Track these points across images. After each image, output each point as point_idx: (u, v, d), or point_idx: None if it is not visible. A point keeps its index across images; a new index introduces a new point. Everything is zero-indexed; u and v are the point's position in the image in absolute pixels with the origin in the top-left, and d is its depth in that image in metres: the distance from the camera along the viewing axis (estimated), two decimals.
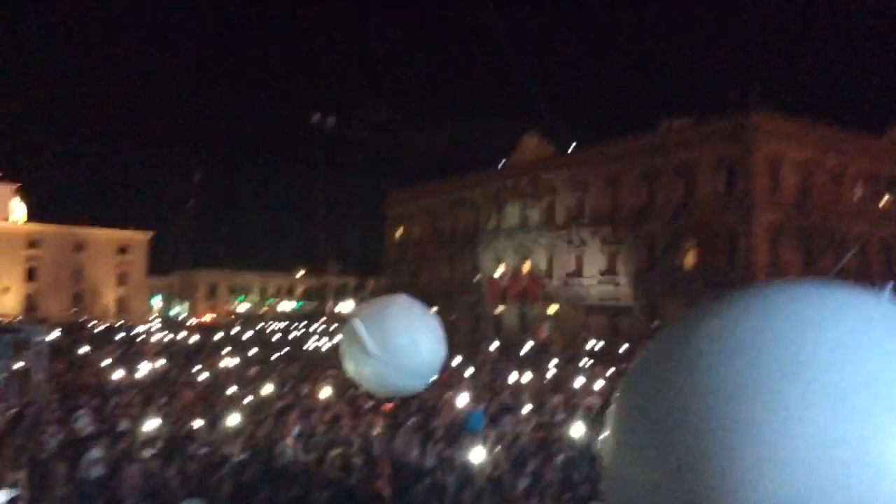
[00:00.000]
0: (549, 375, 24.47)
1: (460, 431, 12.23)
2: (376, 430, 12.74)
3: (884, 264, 47.05)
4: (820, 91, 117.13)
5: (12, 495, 8.52)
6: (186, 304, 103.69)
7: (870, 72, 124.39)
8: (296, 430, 12.34)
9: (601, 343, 41.92)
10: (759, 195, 44.89)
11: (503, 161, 66.25)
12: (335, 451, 11.21)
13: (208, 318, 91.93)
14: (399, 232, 75.95)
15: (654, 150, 50.36)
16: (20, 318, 70.43)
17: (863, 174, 48.68)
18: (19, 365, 16.76)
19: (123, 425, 12.69)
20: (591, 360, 30.48)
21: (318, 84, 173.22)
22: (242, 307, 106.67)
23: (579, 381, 21.13)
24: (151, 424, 12.50)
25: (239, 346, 31.91)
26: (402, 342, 8.52)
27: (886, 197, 49.81)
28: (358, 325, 8.41)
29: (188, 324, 66.24)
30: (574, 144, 60.84)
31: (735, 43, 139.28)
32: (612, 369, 25.04)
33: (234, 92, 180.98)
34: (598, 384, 20.82)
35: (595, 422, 14.62)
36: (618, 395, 2.58)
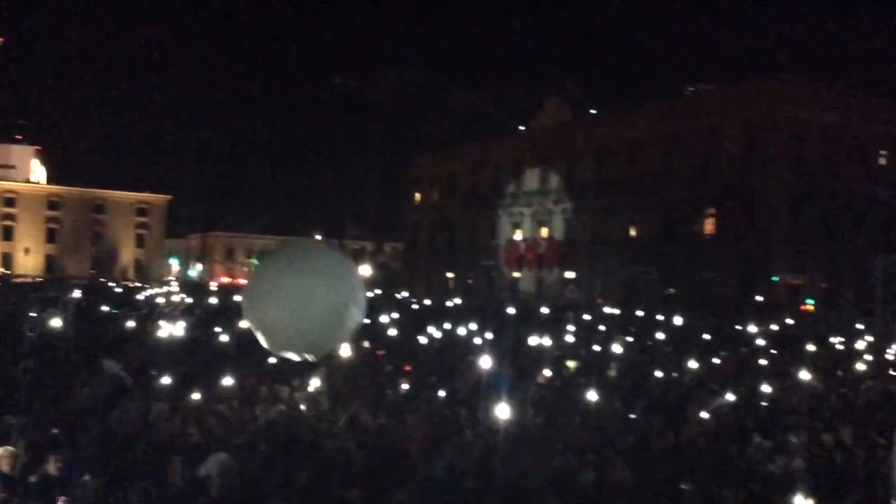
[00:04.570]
0: (567, 340, 24.48)
1: (483, 391, 12.35)
2: (400, 391, 12.88)
3: None
4: (845, 56, 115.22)
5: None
6: (203, 267, 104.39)
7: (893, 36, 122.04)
8: None
9: (617, 310, 41.86)
10: (782, 160, 44.47)
11: (524, 126, 65.94)
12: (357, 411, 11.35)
13: (225, 280, 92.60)
14: (419, 196, 75.92)
15: (677, 116, 49.94)
16: (41, 278, 71.24)
17: (887, 139, 48.06)
18: (56, 322, 16.96)
19: (152, 382, 12.89)
20: (607, 327, 30.49)
21: (340, 47, 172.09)
22: None
23: (596, 347, 21.23)
24: (176, 381, 12.71)
25: None
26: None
27: None
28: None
29: (209, 286, 66.70)
30: (594, 111, 60.53)
31: (759, 8, 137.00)
32: (629, 337, 24.99)
33: (256, 53, 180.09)
34: (616, 349, 20.85)
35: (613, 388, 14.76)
36: None
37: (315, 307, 8.24)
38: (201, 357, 17.38)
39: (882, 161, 48.60)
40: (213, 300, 39.28)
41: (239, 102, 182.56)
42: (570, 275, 56.95)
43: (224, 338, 20.26)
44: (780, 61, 46.22)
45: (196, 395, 11.89)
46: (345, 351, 17.22)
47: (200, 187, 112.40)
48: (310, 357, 9.74)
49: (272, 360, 16.53)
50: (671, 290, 47.89)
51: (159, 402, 11.55)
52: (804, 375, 15.47)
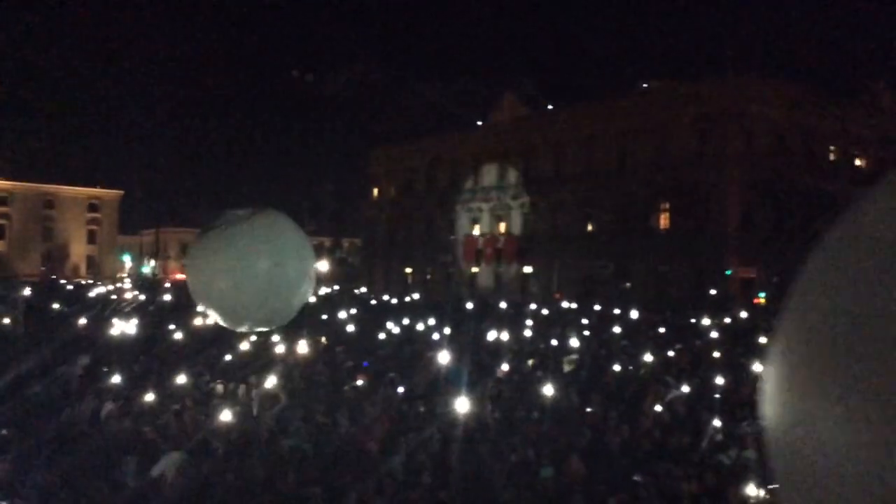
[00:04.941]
0: (525, 335, 24.61)
1: (442, 386, 12.37)
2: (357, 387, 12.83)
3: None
4: (794, 52, 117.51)
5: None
6: (157, 263, 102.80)
7: (843, 33, 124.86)
8: None
9: (574, 304, 42.19)
10: (733, 155, 45.22)
11: (482, 121, 66.04)
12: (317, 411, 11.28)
13: (179, 276, 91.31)
14: (376, 192, 75.68)
15: (631, 111, 50.47)
16: None
17: (835, 135, 49.15)
18: (6, 321, 16.59)
19: (105, 381, 12.67)
20: (564, 321, 30.73)
21: (295, 40, 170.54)
22: None
23: (554, 341, 21.36)
24: (129, 380, 12.52)
25: None
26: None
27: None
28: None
29: (163, 282, 65.81)
30: (550, 105, 60.85)
31: (710, 4, 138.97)
32: (585, 331, 25.21)
33: (211, 47, 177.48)
34: (573, 343, 21.04)
35: (570, 382, 14.89)
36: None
37: (262, 276, 7.95)
38: (155, 355, 17.17)
39: (831, 156, 49.76)
40: (167, 297, 38.79)
41: (193, 96, 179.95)
42: (527, 269, 57.29)
43: (178, 335, 20.01)
44: (730, 58, 46.92)
45: (150, 394, 11.72)
46: (302, 347, 17.16)
47: (153, 182, 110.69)
48: (263, 328, 9.47)
49: (228, 357, 16.41)
50: (627, 285, 48.43)
51: (112, 402, 11.37)
52: (757, 367, 15.75)
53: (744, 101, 45.24)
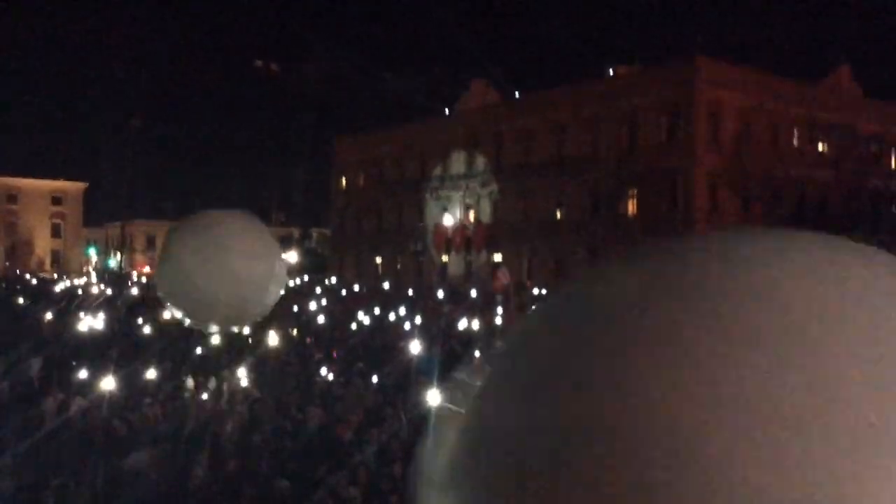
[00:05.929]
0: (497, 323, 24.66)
1: (413, 376, 12.37)
2: (328, 377, 12.80)
3: (819, 209, 48.47)
4: (760, 39, 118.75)
5: None
6: (123, 256, 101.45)
7: (808, 20, 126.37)
8: None
9: (545, 291, 42.36)
10: (700, 140, 45.66)
11: (450, 109, 65.92)
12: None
13: (146, 269, 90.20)
14: (345, 181, 75.27)
15: (599, 97, 50.69)
16: None
17: (800, 120, 49.82)
18: None
19: (73, 377, 12.53)
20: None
21: (263, 29, 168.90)
22: None
23: None
24: (97, 375, 12.35)
25: None
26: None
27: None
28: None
29: (130, 276, 65.02)
30: (519, 93, 60.95)
31: None
32: None
33: (176, 37, 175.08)
34: None
35: None
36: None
37: (234, 275, 7.93)
38: (123, 350, 16.97)
39: (795, 141, 50.46)
40: (135, 291, 38.36)
41: (158, 87, 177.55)
42: (497, 257, 57.44)
43: (147, 329, 19.81)
44: (697, 44, 47.27)
45: (119, 389, 11.59)
46: (273, 339, 17.05)
47: (118, 174, 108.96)
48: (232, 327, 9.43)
49: (198, 350, 16.26)
50: None
51: (80, 397, 11.24)
52: None
53: (710, 87, 45.66)
